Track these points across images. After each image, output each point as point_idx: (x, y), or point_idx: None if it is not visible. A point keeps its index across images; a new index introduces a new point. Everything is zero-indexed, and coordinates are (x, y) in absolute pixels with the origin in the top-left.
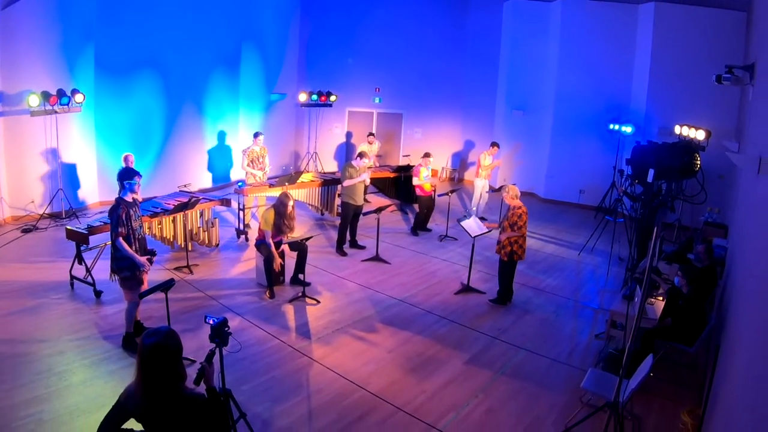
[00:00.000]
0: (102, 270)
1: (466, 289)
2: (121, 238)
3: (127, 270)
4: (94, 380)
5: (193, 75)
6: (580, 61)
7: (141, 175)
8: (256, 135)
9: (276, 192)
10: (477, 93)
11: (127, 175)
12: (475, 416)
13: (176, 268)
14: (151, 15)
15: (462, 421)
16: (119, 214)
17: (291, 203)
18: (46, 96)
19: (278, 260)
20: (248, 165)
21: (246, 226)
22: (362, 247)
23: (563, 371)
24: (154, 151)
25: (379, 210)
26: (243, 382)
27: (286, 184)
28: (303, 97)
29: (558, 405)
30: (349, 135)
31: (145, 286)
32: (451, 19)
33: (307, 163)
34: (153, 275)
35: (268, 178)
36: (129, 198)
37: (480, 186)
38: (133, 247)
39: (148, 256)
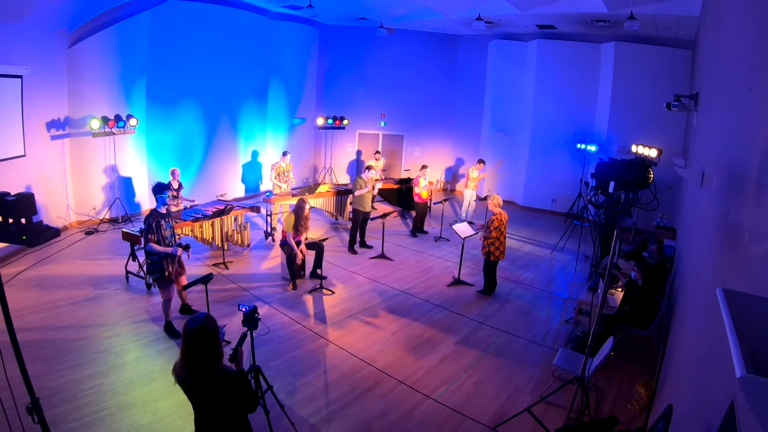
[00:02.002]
0: None
1: (457, 282)
2: (151, 243)
3: (157, 272)
4: (146, 358)
5: (228, 103)
6: (552, 91)
7: (170, 188)
8: (284, 153)
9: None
10: (466, 117)
11: (158, 190)
12: (465, 388)
13: (214, 264)
14: (193, 54)
15: (454, 392)
16: (150, 222)
17: (307, 207)
18: (105, 120)
19: (300, 255)
20: (275, 178)
21: (272, 229)
22: (370, 247)
23: (538, 351)
24: (196, 166)
25: (384, 216)
26: (270, 360)
27: (307, 194)
28: (320, 121)
29: (534, 379)
30: (359, 153)
31: (184, 281)
32: (445, 56)
33: (324, 177)
34: (195, 270)
35: (292, 189)
36: (163, 210)
37: (469, 196)
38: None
39: (179, 245)
